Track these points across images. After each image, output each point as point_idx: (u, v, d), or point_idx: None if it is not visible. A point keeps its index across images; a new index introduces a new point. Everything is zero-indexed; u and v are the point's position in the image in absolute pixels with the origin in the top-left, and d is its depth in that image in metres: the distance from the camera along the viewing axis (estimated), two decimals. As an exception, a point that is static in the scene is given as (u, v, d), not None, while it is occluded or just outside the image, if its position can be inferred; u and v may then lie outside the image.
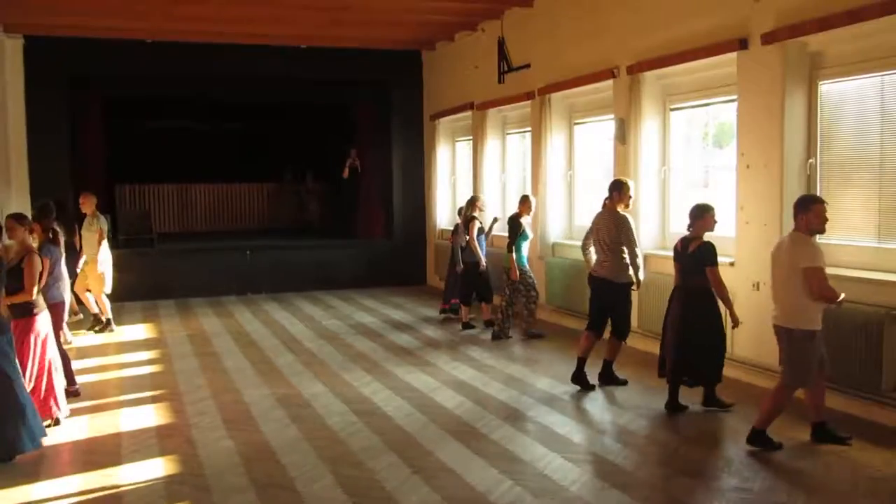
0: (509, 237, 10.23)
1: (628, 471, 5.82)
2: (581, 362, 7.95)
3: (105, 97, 16.36)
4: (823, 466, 5.85)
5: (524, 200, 10.41)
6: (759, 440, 6.13)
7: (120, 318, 12.24)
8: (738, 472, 5.81)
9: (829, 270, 6.99)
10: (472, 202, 11.13)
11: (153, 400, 7.91)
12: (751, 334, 7.64)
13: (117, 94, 16.42)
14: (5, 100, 13.23)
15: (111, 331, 11.30)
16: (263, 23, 12.93)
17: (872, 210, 7.12)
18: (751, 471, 5.82)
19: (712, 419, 7.04)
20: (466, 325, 11.12)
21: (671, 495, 5.37)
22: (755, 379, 7.85)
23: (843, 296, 6.01)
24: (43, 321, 6.90)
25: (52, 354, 6.98)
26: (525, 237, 10.23)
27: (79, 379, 8.27)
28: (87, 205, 11.22)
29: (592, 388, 7.91)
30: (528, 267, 10.32)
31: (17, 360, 6.32)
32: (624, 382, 8.01)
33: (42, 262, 6.90)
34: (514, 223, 10.23)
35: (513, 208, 12.66)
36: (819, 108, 7.45)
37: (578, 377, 7.94)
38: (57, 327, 7.74)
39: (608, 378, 8.03)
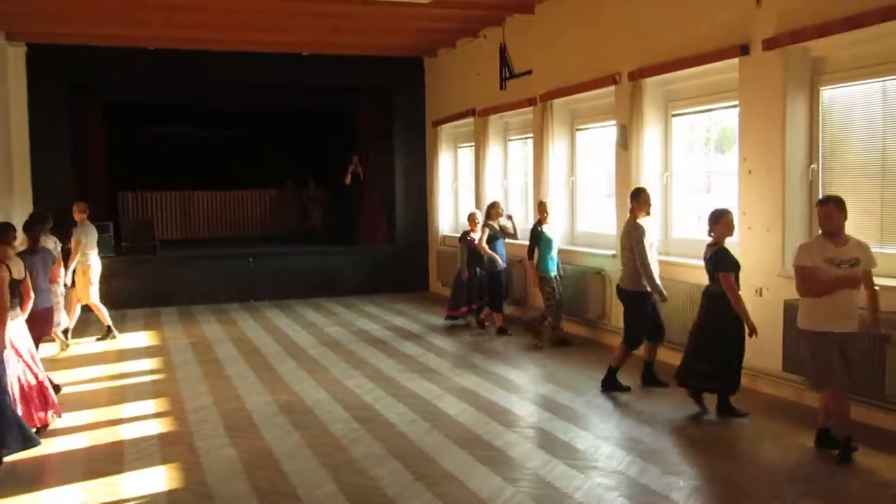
0: (529, 245, 10.28)
1: (631, 477, 5.80)
2: (647, 365, 8.19)
3: (107, 104, 16.39)
4: (827, 473, 5.83)
5: (540, 207, 10.43)
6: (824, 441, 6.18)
7: (122, 325, 12.23)
8: (740, 479, 5.79)
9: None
10: (490, 208, 11.21)
11: (155, 407, 7.90)
12: (754, 340, 7.62)
13: (119, 101, 16.45)
14: (8, 107, 13.27)
15: (113, 338, 11.30)
16: (265, 30, 12.95)
17: (875, 215, 7.10)
18: (754, 477, 5.81)
19: (718, 427, 7.02)
20: (502, 330, 11.13)
21: (674, 502, 5.35)
22: (760, 385, 7.82)
23: (841, 273, 5.94)
24: (10, 334, 6.64)
25: (20, 369, 6.76)
26: (546, 243, 10.18)
27: (81, 387, 8.29)
28: (76, 213, 11.19)
29: (664, 384, 8.00)
30: (550, 273, 10.23)
31: None
32: (627, 389, 8.00)
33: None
34: (533, 230, 10.25)
35: (515, 214, 12.69)
36: (821, 114, 7.45)
37: (648, 378, 8.18)
38: (39, 334, 7.71)
39: (611, 384, 8.02)
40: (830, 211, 5.96)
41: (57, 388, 7.98)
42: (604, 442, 6.64)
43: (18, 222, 13.31)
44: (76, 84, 14.23)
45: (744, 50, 7.82)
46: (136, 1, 10.86)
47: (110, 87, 15.40)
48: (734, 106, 8.29)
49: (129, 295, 13.74)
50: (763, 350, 7.59)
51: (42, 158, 13.69)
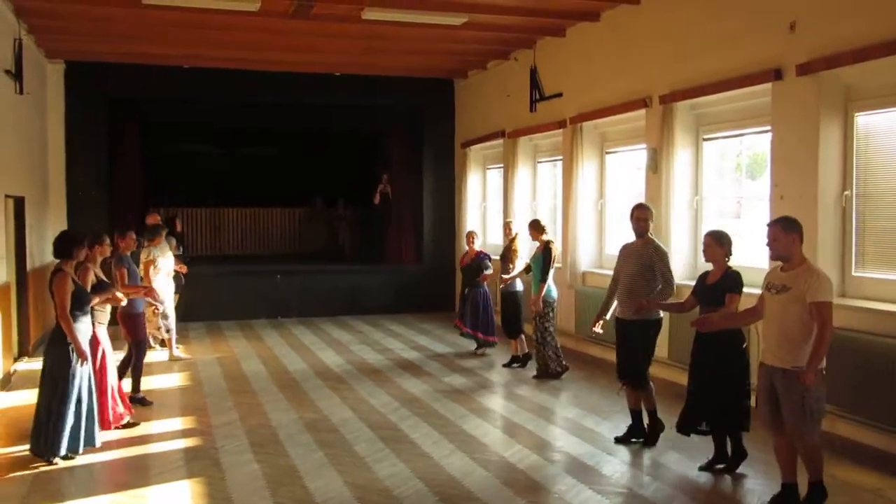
0: (544, 267, 9.64)
1: (658, 504, 5.73)
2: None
3: (142, 122, 16.64)
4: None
5: (538, 226, 9.80)
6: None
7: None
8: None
9: (867, 304, 6.92)
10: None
11: (181, 422, 7.94)
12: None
13: (154, 118, 16.69)
14: (46, 123, 13.53)
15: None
16: (299, 51, 13.11)
17: (910, 243, 6.99)
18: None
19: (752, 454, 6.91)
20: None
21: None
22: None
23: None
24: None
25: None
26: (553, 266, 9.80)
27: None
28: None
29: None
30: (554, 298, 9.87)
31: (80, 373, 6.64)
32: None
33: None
34: (549, 251, 9.64)
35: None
36: (855, 140, 7.36)
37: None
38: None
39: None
40: (775, 234, 5.55)
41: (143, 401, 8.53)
42: (630, 467, 6.56)
43: (52, 236, 13.61)
44: (112, 101, 14.47)
45: (777, 75, 7.76)
46: (172, 20, 11.02)
47: (145, 105, 15.66)
48: (766, 131, 8.22)
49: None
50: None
51: (77, 174, 13.93)
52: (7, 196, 10.13)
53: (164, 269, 10.63)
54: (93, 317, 7.00)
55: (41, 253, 12.65)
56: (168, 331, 10.93)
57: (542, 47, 12.26)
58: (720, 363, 6.24)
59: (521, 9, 10.61)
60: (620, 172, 11.41)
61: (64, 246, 6.83)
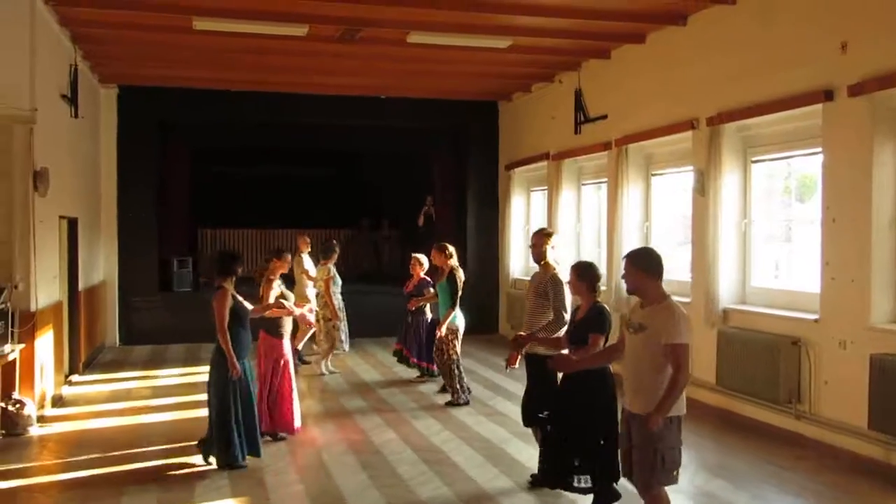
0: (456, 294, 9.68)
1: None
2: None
3: (191, 144, 16.95)
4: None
5: (444, 250, 9.93)
6: None
7: (197, 358, 12.47)
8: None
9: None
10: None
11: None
12: (837, 393, 7.36)
13: (203, 141, 16.99)
14: (99, 147, 13.85)
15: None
16: (344, 74, 13.26)
17: (968, 268, 6.80)
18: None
19: (796, 482, 6.74)
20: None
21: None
22: (843, 443, 7.49)
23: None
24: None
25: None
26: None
27: (152, 419, 8.42)
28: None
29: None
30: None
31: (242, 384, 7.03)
32: None
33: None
34: (455, 277, 9.70)
35: (589, 259, 12.46)
36: (909, 162, 7.21)
37: None
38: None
39: None
40: (625, 268, 5.09)
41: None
42: (674, 495, 6.41)
43: (103, 257, 13.89)
44: (163, 124, 14.77)
45: (828, 96, 7.63)
46: (222, 45, 11.22)
47: (194, 127, 15.96)
48: (816, 153, 8.09)
49: (203, 329, 13.99)
50: (846, 404, 7.30)
51: (128, 196, 14.22)
52: (61, 217, 10.37)
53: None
54: (278, 328, 7.87)
55: (93, 273, 12.91)
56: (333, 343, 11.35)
57: (587, 69, 12.24)
58: (584, 408, 5.78)
59: (566, 31, 10.62)
60: (667, 195, 11.31)
61: (225, 264, 7.15)
